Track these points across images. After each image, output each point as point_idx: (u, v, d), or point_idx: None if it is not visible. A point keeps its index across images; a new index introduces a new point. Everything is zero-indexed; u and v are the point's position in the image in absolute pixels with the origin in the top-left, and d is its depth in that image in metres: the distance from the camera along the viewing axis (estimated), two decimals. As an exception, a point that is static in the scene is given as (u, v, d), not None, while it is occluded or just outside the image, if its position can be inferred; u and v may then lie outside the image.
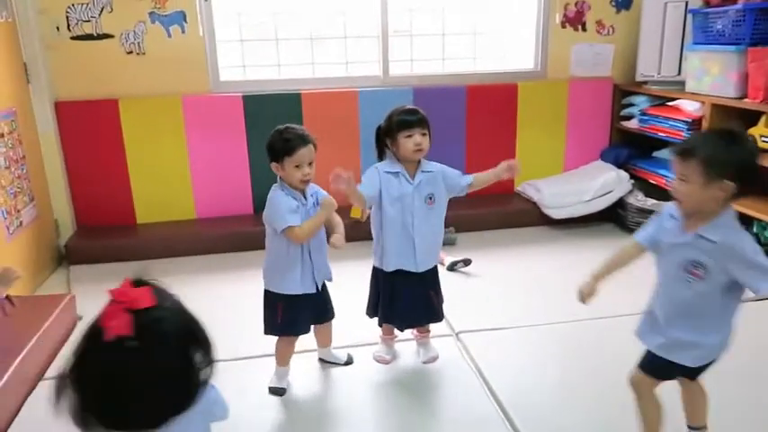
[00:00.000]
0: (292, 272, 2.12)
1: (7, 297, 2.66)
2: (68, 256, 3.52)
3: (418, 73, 4.11)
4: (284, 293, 2.14)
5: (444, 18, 4.13)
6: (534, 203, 4.01)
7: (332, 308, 2.30)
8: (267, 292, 2.19)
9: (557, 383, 2.29)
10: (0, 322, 2.47)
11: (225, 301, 2.87)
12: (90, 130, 3.62)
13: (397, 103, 3.82)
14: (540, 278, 3.20)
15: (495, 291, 3.07)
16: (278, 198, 2.07)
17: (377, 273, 2.32)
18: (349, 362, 2.40)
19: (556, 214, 3.88)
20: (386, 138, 2.19)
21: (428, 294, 2.31)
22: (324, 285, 2.25)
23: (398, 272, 2.26)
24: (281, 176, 2.08)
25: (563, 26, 4.09)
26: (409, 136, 2.13)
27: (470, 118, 4.08)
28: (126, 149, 3.70)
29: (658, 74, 3.91)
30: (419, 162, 2.22)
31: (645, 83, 4.03)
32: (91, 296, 3.06)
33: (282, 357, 2.27)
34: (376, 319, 2.38)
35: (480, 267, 3.31)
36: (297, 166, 2.03)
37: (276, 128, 2.09)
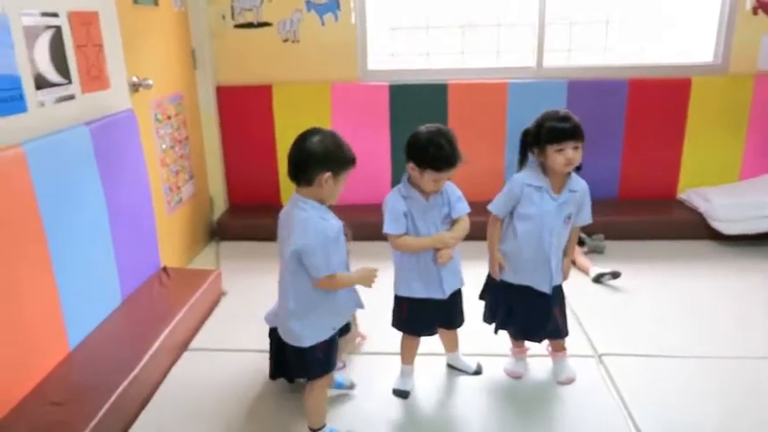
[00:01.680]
0: (415, 278, 2.04)
1: (164, 268, 2.90)
2: (219, 232, 3.76)
3: (575, 64, 3.80)
4: (409, 297, 2.07)
5: (609, 2, 3.77)
6: (700, 214, 3.55)
7: (462, 315, 2.19)
8: (395, 293, 2.13)
9: (712, 426, 2.00)
10: (157, 291, 2.69)
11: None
12: (245, 114, 3.82)
13: (549, 97, 3.70)
14: (701, 302, 2.83)
15: (646, 311, 2.75)
16: (388, 200, 2.00)
17: (495, 281, 2.17)
18: (478, 371, 2.28)
19: (726, 229, 3.41)
20: (533, 145, 2.01)
21: (552, 311, 2.12)
22: (458, 291, 2.13)
23: (524, 286, 2.10)
24: (413, 177, 1.96)
25: (754, 12, 3.55)
26: (560, 150, 1.92)
27: (631, 116, 3.71)
28: (276, 133, 3.85)
29: None
30: (568, 175, 2.01)
31: None
32: (236, 272, 3.27)
33: (407, 355, 2.21)
34: (493, 325, 2.25)
35: (631, 282, 2.99)
36: (435, 181, 1.93)
37: (430, 129, 1.93)
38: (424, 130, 1.93)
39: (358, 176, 3.86)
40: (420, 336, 2.18)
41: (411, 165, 1.94)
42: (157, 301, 2.63)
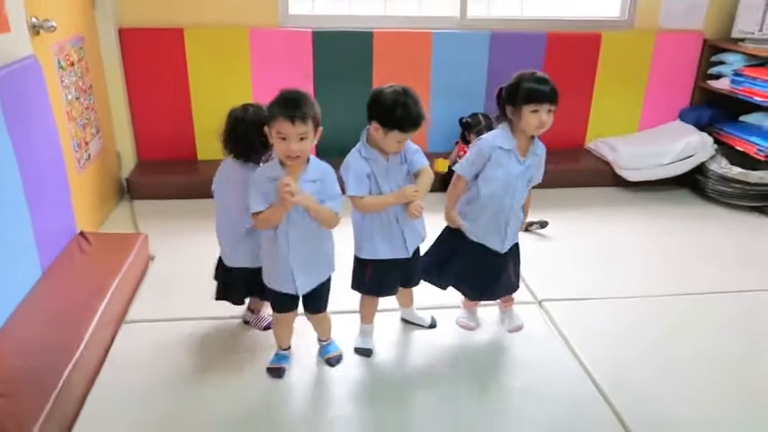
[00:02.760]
0: (378, 239, 2.02)
1: (81, 233, 2.63)
2: (130, 191, 3.47)
3: (497, 16, 3.84)
4: (373, 258, 2.06)
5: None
6: (607, 163, 3.82)
7: (420, 274, 2.22)
8: (356, 255, 2.10)
9: (645, 353, 2.23)
10: (79, 260, 2.45)
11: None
12: (154, 61, 3.48)
13: (472, 48, 3.73)
14: (617, 245, 3.08)
15: (571, 257, 2.95)
16: (350, 161, 1.94)
17: (452, 237, 2.19)
18: (433, 325, 2.34)
19: (631, 176, 3.70)
20: (507, 103, 2.00)
21: (507, 268, 2.21)
22: (417, 249, 2.15)
23: (479, 244, 2.15)
24: (373, 137, 1.91)
25: (659, -31, 3.77)
26: (535, 111, 1.93)
27: (547, 68, 3.80)
28: (189, 82, 3.56)
29: (759, 31, 3.60)
30: (532, 138, 2.05)
31: (742, 40, 3.73)
32: (158, 234, 3.05)
33: (367, 314, 2.22)
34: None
35: (554, 229, 3.18)
36: (399, 141, 1.89)
37: (395, 89, 1.86)
38: (389, 90, 1.87)
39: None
40: (383, 296, 2.18)
41: (375, 125, 1.88)
42: (83, 271, 2.39)
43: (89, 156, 3.00)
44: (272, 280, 1.98)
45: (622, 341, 2.30)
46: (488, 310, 2.43)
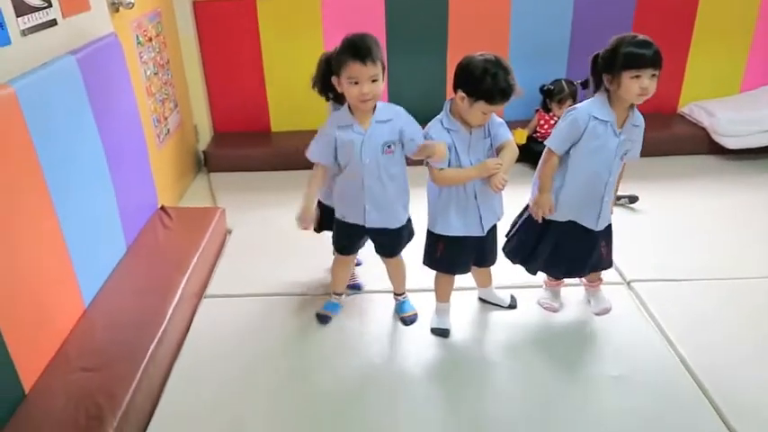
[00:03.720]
0: (453, 214, 1.93)
1: (162, 208, 2.69)
2: (207, 164, 3.52)
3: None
4: (446, 234, 1.97)
5: None
6: (703, 129, 3.52)
7: (496, 252, 2.12)
8: (429, 230, 2.03)
9: (746, 346, 2.03)
10: (162, 235, 2.51)
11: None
12: (227, 32, 3.48)
13: (554, 2, 3.47)
14: (713, 220, 2.84)
15: (664, 233, 2.75)
16: (431, 132, 1.86)
17: (538, 221, 2.05)
18: (513, 305, 2.25)
19: (730, 143, 3.40)
20: (604, 71, 1.83)
21: (598, 246, 2.06)
22: (493, 227, 2.05)
23: (570, 222, 2.02)
24: (458, 108, 1.82)
25: None
26: (637, 77, 1.76)
27: (638, 23, 3.54)
28: (262, 53, 3.54)
29: None
30: (631, 107, 1.87)
31: None
32: (235, 207, 3.09)
33: (442, 292, 2.15)
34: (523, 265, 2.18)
35: (644, 203, 2.97)
36: (484, 113, 1.79)
37: (487, 58, 1.75)
38: (480, 58, 1.76)
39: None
40: (454, 274, 2.11)
41: (461, 94, 1.78)
42: (165, 246, 2.45)
43: (168, 130, 3.05)
44: (345, 212, 2.00)
45: (718, 326, 2.12)
46: (573, 291, 2.30)
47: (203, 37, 3.47)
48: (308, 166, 1.98)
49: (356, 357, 2.05)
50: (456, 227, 1.96)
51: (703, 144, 3.51)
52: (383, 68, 1.78)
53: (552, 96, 3.34)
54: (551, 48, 3.57)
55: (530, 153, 3.08)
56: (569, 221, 2.01)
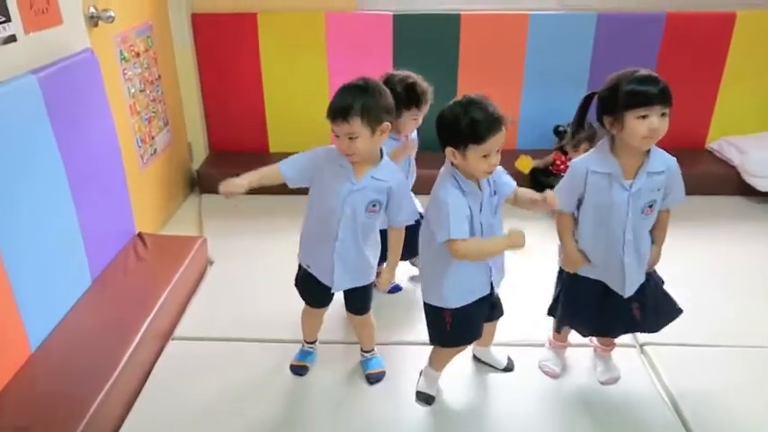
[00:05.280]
0: (465, 285, 1.68)
1: (140, 235, 2.51)
2: (200, 184, 3.35)
3: (605, -7, 3.34)
4: (453, 307, 1.71)
5: None
6: (733, 167, 3.25)
7: (501, 304, 1.87)
8: (429, 304, 1.76)
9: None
10: (133, 266, 2.32)
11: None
12: (227, 47, 3.31)
13: (574, 32, 3.26)
14: (744, 272, 2.57)
15: (685, 286, 2.45)
16: (447, 196, 1.56)
17: (568, 277, 1.83)
18: (509, 368, 2.01)
19: (763, 185, 3.12)
20: (604, 113, 1.60)
21: (630, 307, 1.80)
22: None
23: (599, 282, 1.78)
24: (460, 167, 1.57)
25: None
26: (644, 117, 1.52)
27: (664, 55, 3.29)
28: (262, 70, 3.36)
29: None
30: (646, 154, 1.62)
31: None
32: (222, 234, 2.89)
33: (440, 362, 1.89)
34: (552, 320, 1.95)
35: (665, 247, 2.69)
36: (484, 157, 1.51)
37: (456, 101, 1.54)
38: (448, 106, 1.54)
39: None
40: (470, 343, 1.85)
41: (449, 150, 1.53)
42: (135, 278, 2.26)
43: (155, 150, 2.88)
44: (310, 263, 1.81)
45: (742, 405, 1.86)
46: (578, 353, 2.05)
47: (201, 51, 3.31)
48: (304, 191, 1.78)
49: (329, 415, 1.84)
50: (464, 294, 1.68)
51: (732, 184, 3.23)
52: (374, 123, 1.57)
53: (567, 139, 3.07)
54: (569, 78, 3.32)
55: (534, 184, 2.85)
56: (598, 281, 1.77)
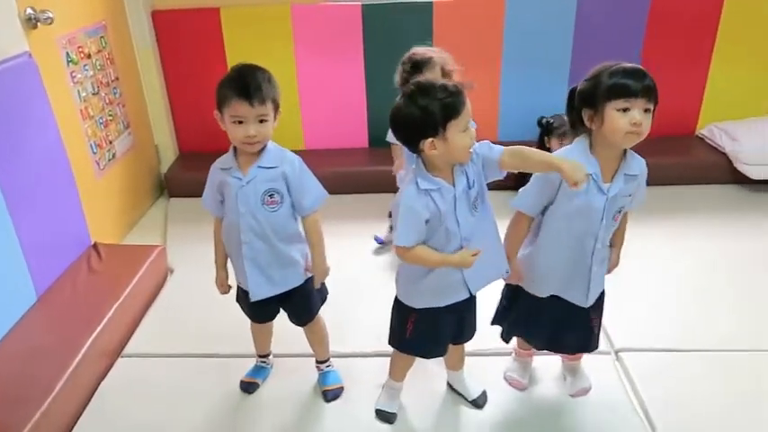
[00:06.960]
0: (433, 280, 1.51)
1: (94, 246, 2.41)
2: (169, 187, 3.24)
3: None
4: (420, 308, 1.58)
5: None
6: (724, 155, 3.09)
7: (474, 325, 1.70)
8: (398, 300, 1.64)
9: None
10: (83, 280, 2.22)
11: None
12: (190, 44, 3.19)
13: (555, 7, 3.09)
14: (735, 264, 2.43)
15: (669, 287, 2.34)
16: (403, 199, 1.42)
17: (516, 287, 1.69)
18: (478, 403, 1.80)
19: (755, 173, 2.96)
20: (584, 106, 1.44)
21: (588, 319, 1.66)
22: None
23: (554, 297, 1.63)
24: (433, 160, 1.41)
25: None
26: (625, 109, 1.37)
27: (651, 33, 3.13)
28: (228, 66, 3.22)
29: None
30: (624, 153, 1.47)
31: None
32: (186, 241, 2.77)
33: (398, 371, 1.77)
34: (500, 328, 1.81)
35: (650, 246, 2.54)
36: (462, 132, 1.36)
37: (406, 92, 1.39)
38: (403, 103, 1.39)
39: (329, 117, 3.37)
40: (428, 358, 1.74)
41: (427, 142, 1.37)
42: (84, 293, 2.16)
43: (113, 155, 2.77)
44: (236, 275, 1.72)
45: (723, 418, 1.72)
46: (547, 362, 1.92)
47: (164, 49, 3.19)
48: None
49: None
50: (436, 296, 1.54)
51: (723, 172, 3.08)
52: (276, 107, 1.54)
53: (551, 132, 2.89)
54: (550, 62, 3.18)
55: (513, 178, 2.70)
56: (552, 296, 1.63)
